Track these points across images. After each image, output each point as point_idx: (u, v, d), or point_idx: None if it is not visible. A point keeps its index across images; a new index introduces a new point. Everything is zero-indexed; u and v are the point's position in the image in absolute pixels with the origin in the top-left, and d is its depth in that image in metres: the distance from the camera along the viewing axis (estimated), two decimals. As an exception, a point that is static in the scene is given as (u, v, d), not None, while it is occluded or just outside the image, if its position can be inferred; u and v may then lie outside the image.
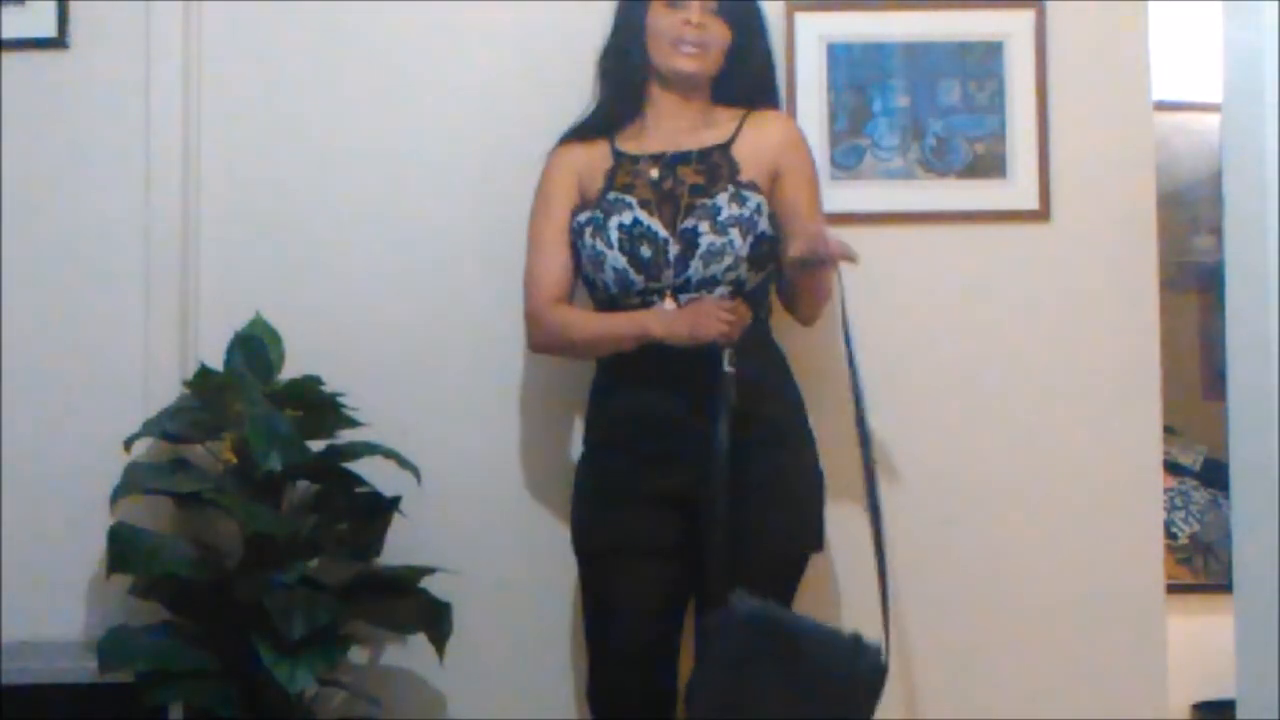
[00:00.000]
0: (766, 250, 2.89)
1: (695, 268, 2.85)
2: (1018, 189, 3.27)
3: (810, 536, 2.92)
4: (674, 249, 2.87)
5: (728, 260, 2.85)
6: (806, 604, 3.04)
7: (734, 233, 2.86)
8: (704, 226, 2.86)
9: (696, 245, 2.86)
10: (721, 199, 2.88)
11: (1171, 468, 4.07)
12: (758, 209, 2.89)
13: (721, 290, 2.86)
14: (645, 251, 2.87)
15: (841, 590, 3.19)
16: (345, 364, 3.15)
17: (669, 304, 2.86)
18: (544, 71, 3.25)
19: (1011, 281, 3.29)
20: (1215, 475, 4.15)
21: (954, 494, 3.25)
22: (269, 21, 3.29)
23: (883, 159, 3.28)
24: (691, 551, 2.83)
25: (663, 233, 2.88)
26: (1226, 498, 3.03)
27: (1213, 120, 3.82)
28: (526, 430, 3.24)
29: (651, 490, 2.85)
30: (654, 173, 2.93)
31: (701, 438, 2.78)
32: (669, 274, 2.86)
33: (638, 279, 2.87)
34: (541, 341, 3.00)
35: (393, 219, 3.28)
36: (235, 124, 3.28)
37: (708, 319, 2.76)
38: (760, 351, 2.90)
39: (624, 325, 2.88)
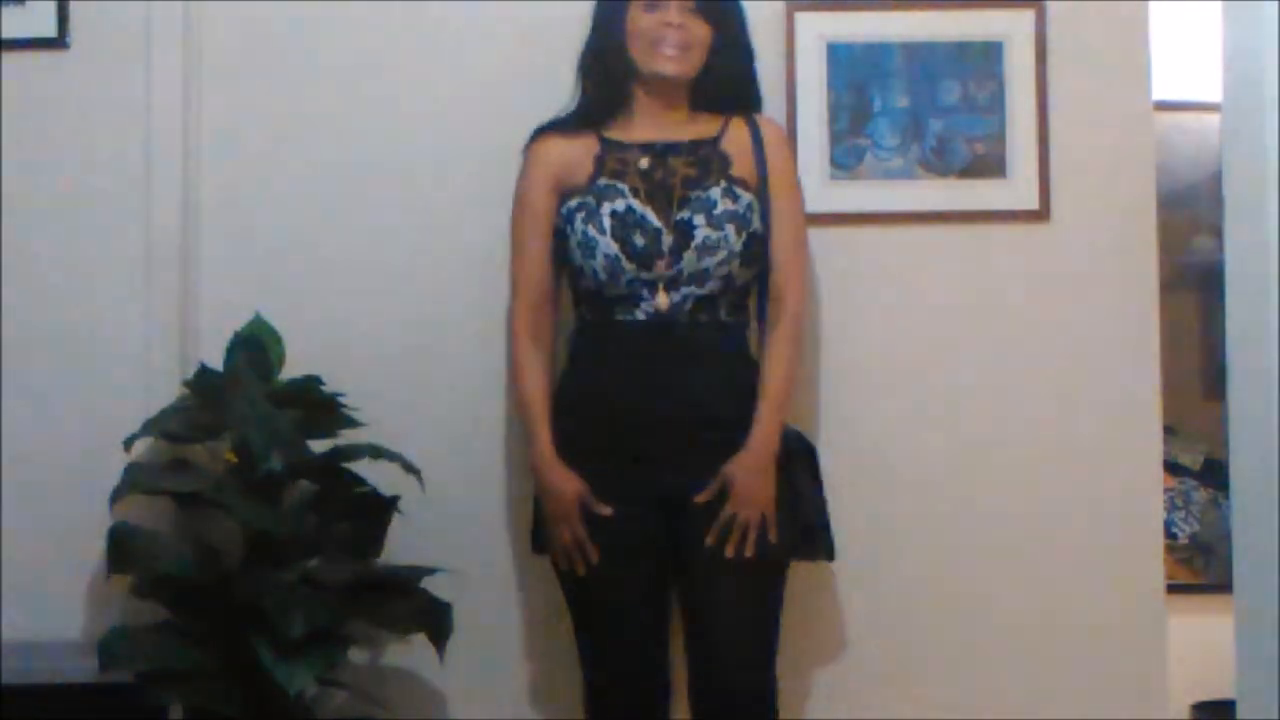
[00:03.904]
0: (758, 249, 2.89)
1: (688, 260, 2.84)
2: (1018, 189, 3.27)
3: (774, 543, 2.83)
4: (667, 240, 2.85)
5: (721, 254, 2.85)
6: (806, 614, 3.06)
7: (729, 228, 2.85)
8: (699, 219, 2.85)
9: (691, 237, 2.84)
10: (715, 193, 2.87)
11: (1171, 468, 4.06)
12: (749, 207, 2.88)
13: (711, 285, 2.85)
14: (638, 240, 2.85)
15: (840, 600, 3.19)
16: (345, 364, 3.15)
17: (661, 297, 2.84)
18: (542, 71, 3.24)
19: (1011, 281, 3.29)
20: (1215, 475, 4.14)
21: (953, 494, 3.25)
22: (269, 21, 3.28)
23: (883, 159, 3.28)
24: (672, 546, 2.85)
25: (656, 222, 2.86)
26: (1226, 498, 3.03)
27: (1213, 120, 3.82)
28: (526, 430, 3.24)
29: (633, 491, 2.84)
30: (644, 162, 2.91)
31: (684, 438, 2.81)
32: (662, 265, 2.84)
33: (629, 267, 2.85)
34: (507, 349, 3.07)
35: (393, 219, 3.28)
36: (235, 124, 3.28)
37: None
38: (737, 357, 2.91)
39: (531, 426, 2.91)
